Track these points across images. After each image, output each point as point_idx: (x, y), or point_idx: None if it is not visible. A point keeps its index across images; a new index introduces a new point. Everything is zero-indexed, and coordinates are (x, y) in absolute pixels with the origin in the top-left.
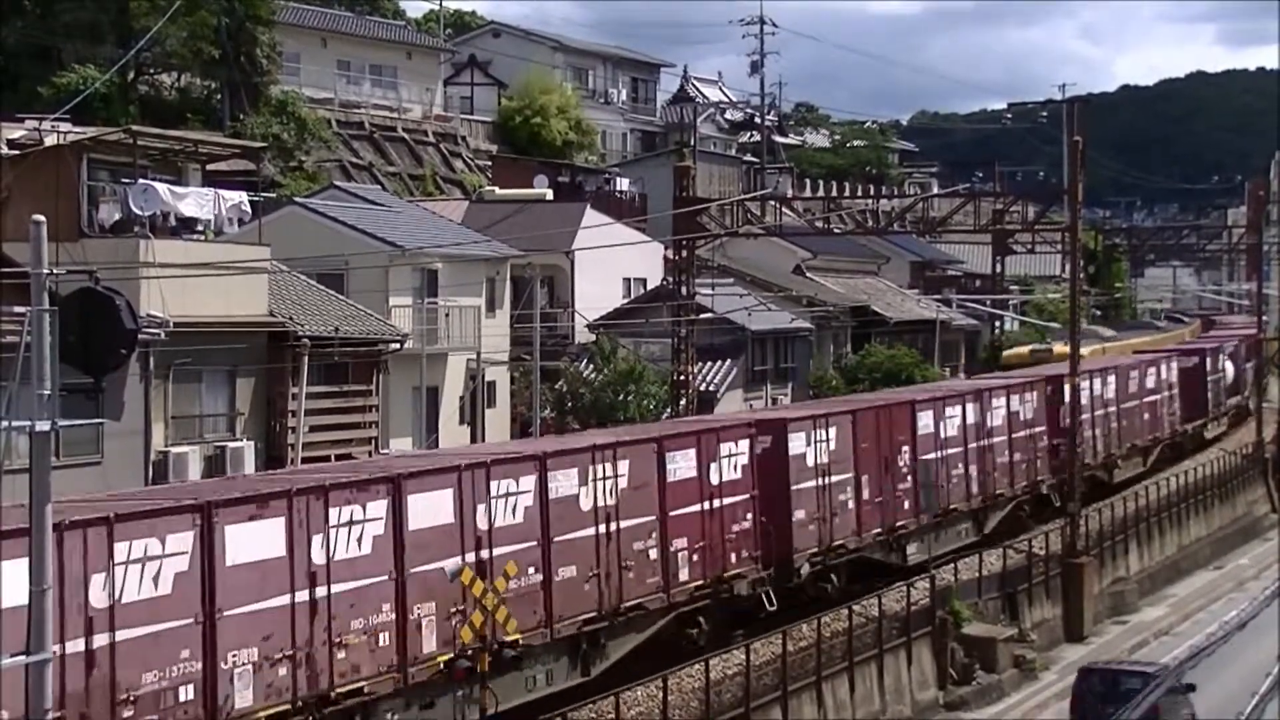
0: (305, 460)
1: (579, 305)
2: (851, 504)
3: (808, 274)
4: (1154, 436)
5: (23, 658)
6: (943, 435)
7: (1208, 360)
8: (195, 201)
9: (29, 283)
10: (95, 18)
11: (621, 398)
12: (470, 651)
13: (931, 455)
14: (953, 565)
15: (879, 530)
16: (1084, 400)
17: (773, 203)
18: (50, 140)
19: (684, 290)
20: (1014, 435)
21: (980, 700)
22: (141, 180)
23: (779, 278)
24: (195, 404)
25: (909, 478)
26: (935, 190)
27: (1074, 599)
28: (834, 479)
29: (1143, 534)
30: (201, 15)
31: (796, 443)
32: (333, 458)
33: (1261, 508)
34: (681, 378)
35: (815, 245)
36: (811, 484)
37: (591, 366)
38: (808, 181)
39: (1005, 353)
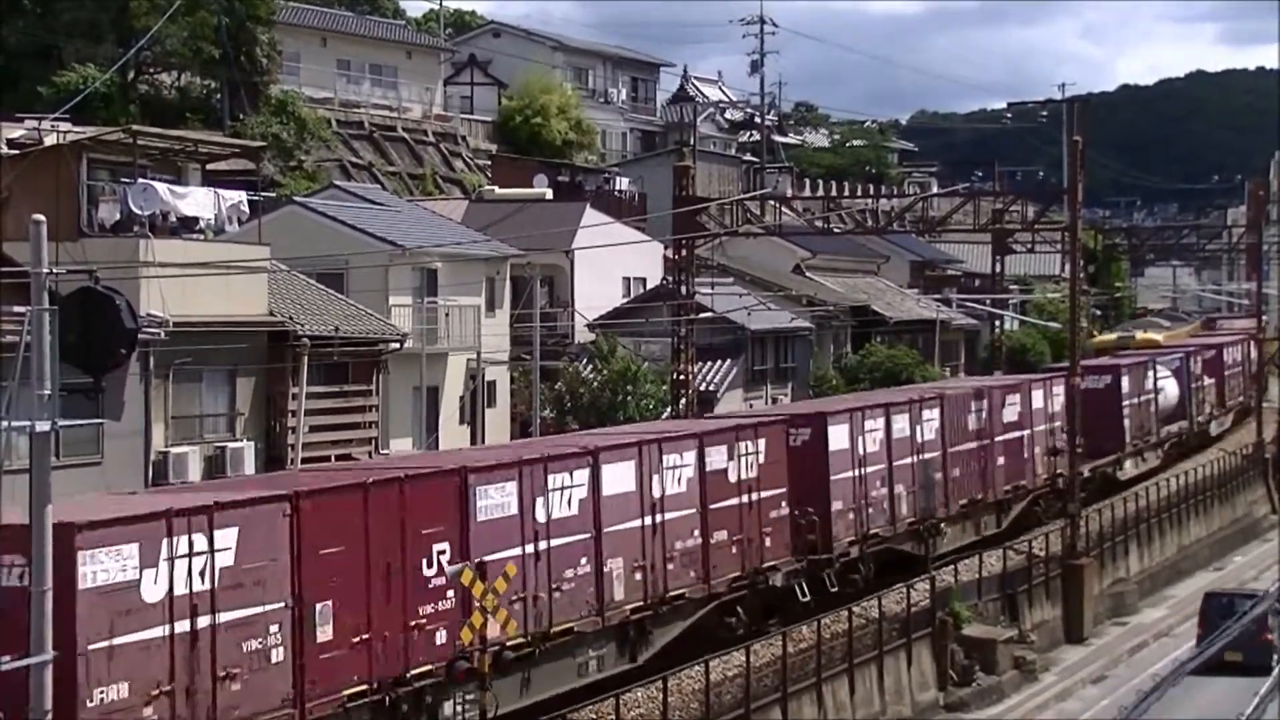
0: (305, 460)
1: (579, 305)
2: (281, 654)
3: (807, 273)
4: (1014, 487)
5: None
6: (540, 519)
7: (1125, 379)
8: (195, 201)
9: (29, 282)
10: (95, 17)
11: (620, 399)
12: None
13: (513, 551)
14: (953, 567)
15: (365, 687)
16: (873, 446)
17: (772, 202)
18: (50, 140)
19: (683, 290)
20: (712, 506)
21: (980, 701)
22: (141, 180)
23: (779, 277)
24: (195, 404)
25: (450, 594)
26: (935, 190)
27: (1074, 600)
28: (236, 615)
29: (1143, 535)
30: (201, 15)
31: (106, 567)
32: (333, 458)
33: (1261, 508)
34: (681, 378)
35: (815, 245)
36: (159, 633)
37: (591, 366)
38: (807, 181)
39: (1095, 340)
